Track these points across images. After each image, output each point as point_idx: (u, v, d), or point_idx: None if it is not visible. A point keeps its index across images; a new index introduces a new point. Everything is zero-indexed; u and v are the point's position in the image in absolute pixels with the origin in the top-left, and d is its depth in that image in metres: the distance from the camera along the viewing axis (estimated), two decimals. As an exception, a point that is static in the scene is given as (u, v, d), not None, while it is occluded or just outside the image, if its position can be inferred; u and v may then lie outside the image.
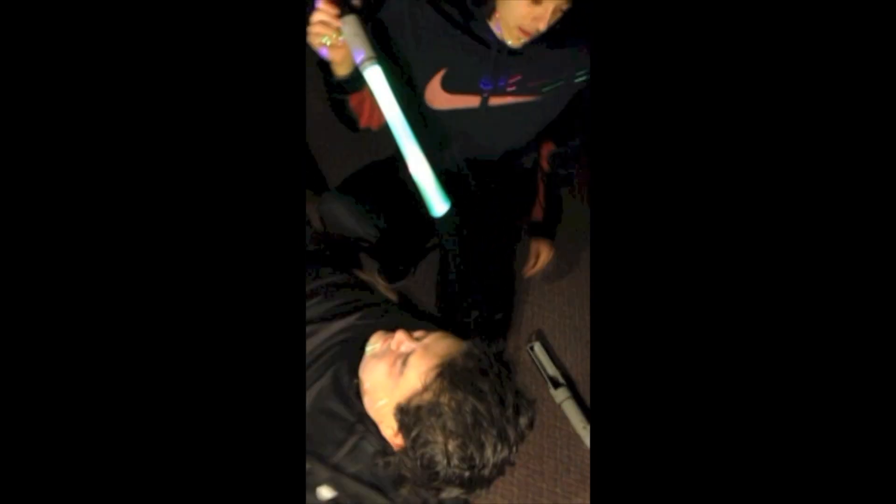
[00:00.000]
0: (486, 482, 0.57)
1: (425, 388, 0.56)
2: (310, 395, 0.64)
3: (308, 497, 0.58)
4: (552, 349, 1.47)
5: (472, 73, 0.87)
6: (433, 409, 0.55)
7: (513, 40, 0.82)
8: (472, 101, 0.90)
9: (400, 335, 0.61)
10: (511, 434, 0.56)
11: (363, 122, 0.87)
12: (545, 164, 1.09)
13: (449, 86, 0.89)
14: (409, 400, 0.57)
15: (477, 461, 0.55)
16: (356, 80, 0.74)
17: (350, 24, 0.65)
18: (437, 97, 0.90)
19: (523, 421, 0.58)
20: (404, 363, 0.58)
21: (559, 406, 1.38)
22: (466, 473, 0.56)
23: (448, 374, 0.56)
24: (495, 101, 0.90)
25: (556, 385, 1.39)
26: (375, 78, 0.66)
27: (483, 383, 0.56)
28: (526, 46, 0.84)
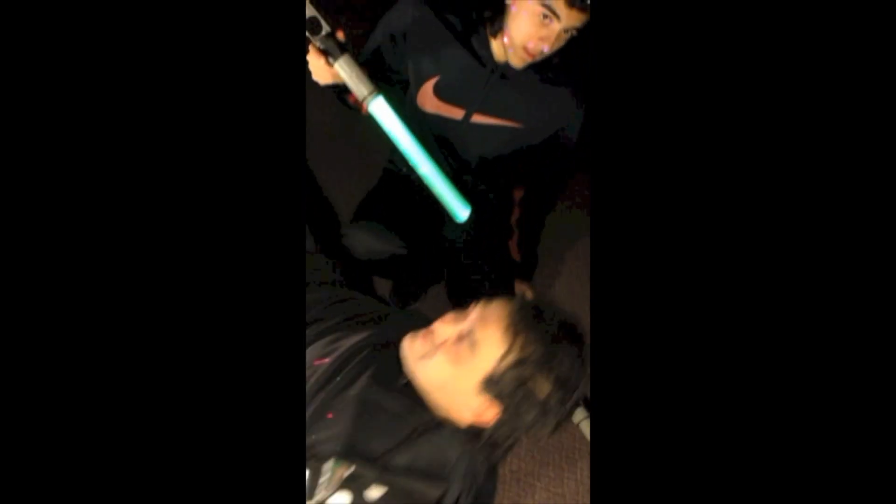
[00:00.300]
0: (578, 405, 0.63)
1: (509, 351, 0.58)
2: (349, 395, 0.64)
3: (357, 500, 0.59)
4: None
5: (461, 86, 0.91)
6: (524, 364, 0.58)
7: (517, 61, 0.84)
8: (456, 113, 0.93)
9: (439, 326, 0.63)
10: (581, 361, 0.61)
11: (364, 111, 0.91)
12: (517, 209, 1.11)
13: (439, 93, 0.93)
14: (496, 369, 0.59)
15: (572, 394, 0.60)
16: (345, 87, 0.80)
17: (344, 67, 0.67)
18: (428, 100, 0.94)
19: (578, 337, 0.63)
20: (471, 343, 0.60)
21: (577, 426, 1.35)
22: (566, 407, 0.60)
23: (520, 329, 0.59)
24: (478, 118, 0.92)
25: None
26: (380, 111, 0.69)
27: (548, 324, 0.60)
28: (520, 74, 0.85)
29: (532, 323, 0.60)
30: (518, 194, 1.09)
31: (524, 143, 0.97)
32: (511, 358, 0.58)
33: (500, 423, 0.61)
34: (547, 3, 0.74)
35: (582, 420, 1.36)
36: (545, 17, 0.75)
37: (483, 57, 0.87)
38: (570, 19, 0.74)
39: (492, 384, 0.59)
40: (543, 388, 0.59)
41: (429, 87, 0.92)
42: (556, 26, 0.75)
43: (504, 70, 0.87)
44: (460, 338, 0.61)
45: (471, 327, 0.61)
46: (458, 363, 0.60)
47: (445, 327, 0.62)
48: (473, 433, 0.63)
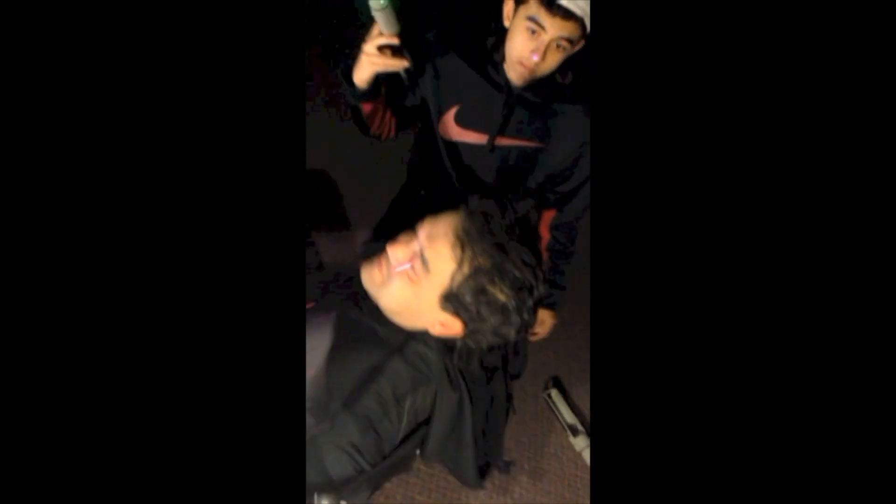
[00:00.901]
0: (535, 310, 0.63)
1: (460, 265, 0.59)
2: (321, 352, 0.64)
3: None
4: (569, 395, 1.46)
5: (481, 113, 0.94)
6: (477, 275, 0.59)
7: (516, 77, 0.88)
8: (480, 138, 0.97)
9: (391, 250, 0.63)
10: (534, 260, 0.61)
11: (373, 129, 0.95)
12: (545, 233, 1.12)
13: (461, 121, 0.96)
14: (451, 284, 0.60)
15: (530, 295, 0.61)
16: (368, 94, 0.84)
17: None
18: (450, 129, 0.98)
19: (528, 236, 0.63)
20: (422, 262, 0.61)
21: (579, 455, 1.35)
22: (525, 315, 0.61)
23: (469, 241, 0.59)
24: (502, 141, 0.96)
25: (576, 433, 1.37)
26: None
27: (495, 232, 0.60)
28: (532, 94, 0.89)
29: (479, 233, 0.60)
30: (548, 216, 1.10)
31: (551, 162, 0.99)
32: (463, 271, 0.59)
33: (467, 334, 0.63)
34: (532, 16, 0.79)
35: (584, 448, 1.36)
36: (532, 31, 0.80)
37: (498, 82, 0.91)
38: (555, 28, 0.79)
39: (450, 299, 0.60)
40: (500, 294, 0.60)
41: (450, 116, 0.96)
42: (545, 37, 0.80)
43: (520, 93, 0.91)
44: (413, 259, 0.61)
45: (420, 247, 0.61)
46: (414, 284, 0.61)
47: (397, 251, 0.62)
48: (446, 345, 0.64)
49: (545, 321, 1.17)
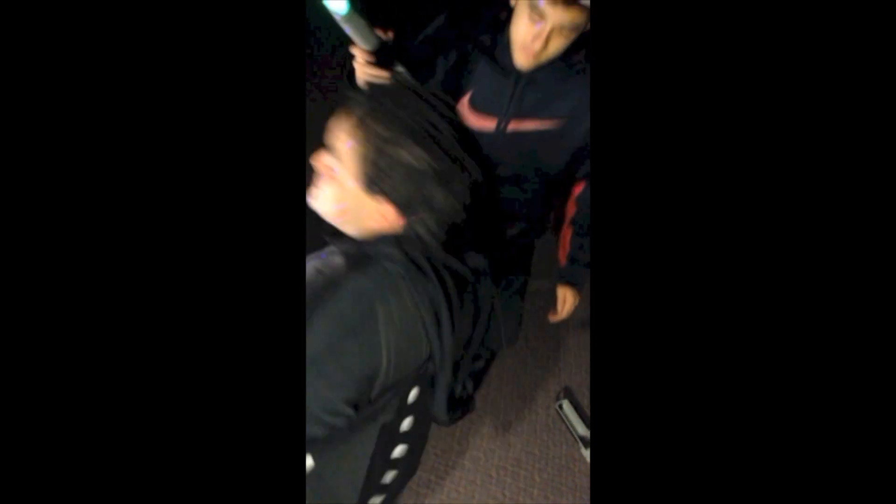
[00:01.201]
0: (463, 165, 0.59)
1: (363, 143, 0.57)
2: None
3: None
4: (581, 407, 1.46)
5: (492, 97, 0.96)
6: (379, 144, 0.56)
7: (521, 61, 0.89)
8: (491, 123, 0.98)
9: (314, 160, 0.62)
10: (424, 100, 0.58)
11: None
12: (572, 207, 1.10)
13: (475, 105, 0.98)
14: (363, 165, 0.57)
15: (437, 144, 0.57)
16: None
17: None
18: (466, 115, 0.99)
19: (446, 99, 0.60)
20: (335, 157, 0.60)
21: (590, 465, 1.35)
22: (443, 166, 0.57)
23: (362, 118, 0.57)
24: (514, 125, 0.97)
25: (587, 445, 1.37)
26: None
27: (397, 95, 0.58)
28: (543, 76, 0.91)
29: (375, 104, 0.57)
30: (577, 189, 1.07)
31: (570, 142, 0.99)
32: (367, 148, 0.57)
33: (407, 218, 0.60)
34: (534, 4, 0.81)
35: (595, 460, 1.36)
36: (534, 19, 0.82)
37: (507, 66, 0.93)
38: (556, 17, 0.80)
39: (370, 183, 0.58)
40: (407, 154, 0.56)
41: (464, 102, 0.98)
42: (547, 25, 0.82)
43: (530, 76, 0.92)
44: (329, 159, 0.61)
45: (331, 143, 0.60)
46: (334, 179, 0.61)
47: (321, 160, 0.62)
48: (397, 239, 0.61)
49: (567, 299, 1.12)
